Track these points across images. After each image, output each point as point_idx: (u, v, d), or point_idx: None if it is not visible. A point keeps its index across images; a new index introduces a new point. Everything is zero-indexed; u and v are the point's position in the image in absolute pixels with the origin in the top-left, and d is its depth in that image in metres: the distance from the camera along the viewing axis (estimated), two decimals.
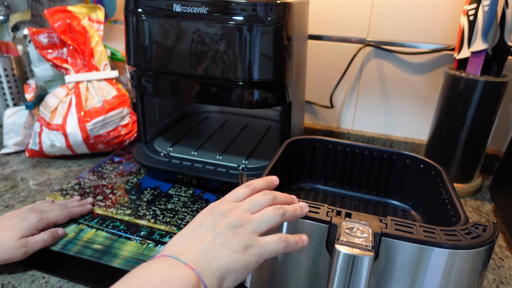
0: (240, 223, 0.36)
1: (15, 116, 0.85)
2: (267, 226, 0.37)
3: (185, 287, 0.31)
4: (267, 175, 0.50)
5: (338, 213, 0.42)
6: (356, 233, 0.39)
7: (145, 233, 0.59)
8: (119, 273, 0.51)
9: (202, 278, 0.33)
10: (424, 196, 0.61)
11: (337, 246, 0.37)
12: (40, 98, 0.87)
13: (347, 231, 0.39)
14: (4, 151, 0.84)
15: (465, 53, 0.68)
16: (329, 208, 0.43)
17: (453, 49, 0.76)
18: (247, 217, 0.37)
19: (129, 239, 0.57)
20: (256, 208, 0.39)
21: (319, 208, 0.43)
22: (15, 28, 0.95)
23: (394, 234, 0.38)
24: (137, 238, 0.58)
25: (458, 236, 0.39)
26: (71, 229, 0.59)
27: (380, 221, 0.41)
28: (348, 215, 0.42)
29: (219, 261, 0.34)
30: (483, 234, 0.39)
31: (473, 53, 0.67)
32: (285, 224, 0.42)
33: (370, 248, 0.37)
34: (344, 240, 0.38)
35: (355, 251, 0.37)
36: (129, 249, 0.56)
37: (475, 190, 0.76)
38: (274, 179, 0.44)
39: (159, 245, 0.57)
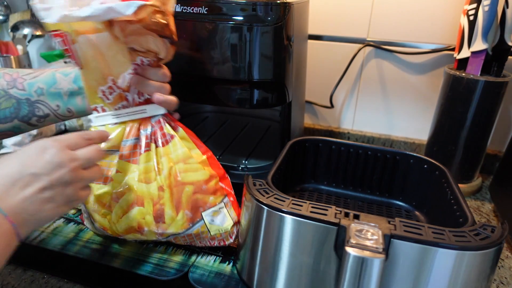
0: (71, 180, 0.37)
1: None
2: (91, 182, 0.42)
3: (5, 246, 0.32)
4: (272, 176, 0.51)
5: (346, 214, 0.42)
6: (366, 235, 0.38)
7: None
8: (119, 273, 0.51)
9: (19, 230, 0.34)
10: (428, 197, 0.61)
11: (348, 249, 0.37)
12: None
13: (357, 233, 0.39)
14: (3, 151, 0.84)
15: (465, 53, 0.68)
16: (337, 210, 0.42)
17: (453, 49, 0.76)
18: (80, 175, 0.39)
19: None
20: (87, 165, 0.40)
21: (327, 210, 0.42)
22: (15, 28, 0.95)
23: (403, 236, 0.38)
24: None
25: (467, 237, 0.39)
26: (71, 229, 0.59)
27: (389, 222, 0.41)
28: (356, 217, 0.42)
29: (41, 214, 0.36)
30: (491, 235, 0.39)
31: (473, 53, 0.67)
32: (287, 223, 0.43)
33: (381, 250, 0.37)
34: (354, 242, 0.37)
35: (366, 253, 0.36)
36: (129, 249, 0.56)
37: (475, 190, 0.76)
38: (106, 135, 0.47)
39: (159, 245, 0.57)
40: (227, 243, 0.54)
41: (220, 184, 0.54)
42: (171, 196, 0.51)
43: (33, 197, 0.35)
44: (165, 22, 0.45)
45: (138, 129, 0.52)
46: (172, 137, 0.52)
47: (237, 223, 0.54)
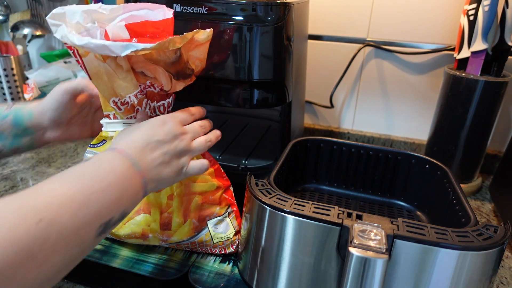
0: (185, 150, 0.44)
1: None
2: (199, 154, 0.48)
3: (133, 195, 0.37)
4: (274, 176, 0.51)
5: (349, 215, 0.42)
6: (369, 236, 0.38)
7: None
8: (119, 273, 0.51)
9: (146, 186, 0.39)
10: (429, 197, 0.61)
11: (351, 249, 0.37)
12: (39, 98, 0.87)
13: (360, 233, 0.39)
14: None
15: (465, 53, 0.68)
16: (339, 210, 0.42)
17: (453, 49, 0.76)
18: (190, 146, 0.45)
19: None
20: (195, 137, 0.47)
21: (330, 210, 0.42)
22: (15, 28, 0.95)
23: (406, 236, 0.38)
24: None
25: (470, 238, 0.39)
26: None
27: (392, 222, 0.41)
28: (359, 217, 0.42)
29: (162, 176, 0.42)
30: (494, 235, 0.39)
31: (473, 53, 0.67)
32: (290, 224, 0.42)
33: (384, 250, 0.37)
34: (357, 242, 0.37)
35: (369, 253, 0.36)
36: (129, 249, 0.56)
37: (475, 190, 0.76)
38: (203, 111, 0.52)
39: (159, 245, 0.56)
40: (227, 251, 0.55)
41: (224, 195, 0.55)
42: (180, 204, 0.52)
43: (158, 159, 0.41)
44: (171, 59, 0.45)
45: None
46: None
47: (238, 232, 0.55)
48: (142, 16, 0.48)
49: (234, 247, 0.54)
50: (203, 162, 0.47)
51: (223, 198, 0.55)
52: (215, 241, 0.54)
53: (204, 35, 0.46)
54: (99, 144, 0.52)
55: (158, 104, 0.51)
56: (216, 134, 0.51)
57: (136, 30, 0.45)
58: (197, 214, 0.52)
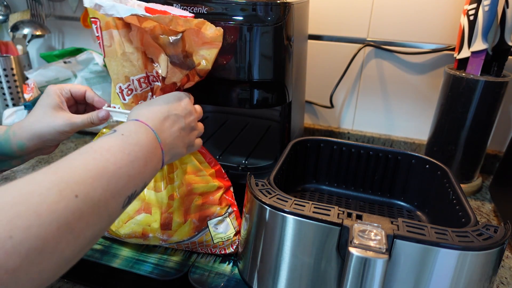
0: (194, 127, 0.47)
1: (14, 116, 0.85)
2: (200, 135, 0.50)
3: (154, 166, 0.38)
4: (274, 176, 0.51)
5: (349, 215, 0.42)
6: (370, 236, 0.38)
7: None
8: (119, 273, 0.51)
9: (164, 158, 0.41)
10: (430, 197, 0.61)
11: (351, 249, 0.37)
12: (39, 98, 0.87)
13: (360, 233, 0.39)
14: None
15: (465, 53, 0.68)
16: (339, 210, 0.42)
17: (453, 49, 0.76)
18: (198, 124, 0.49)
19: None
20: (198, 118, 0.49)
21: (330, 210, 0.42)
22: (15, 28, 0.95)
23: (406, 236, 0.38)
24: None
25: (470, 238, 0.39)
26: None
27: (392, 222, 0.41)
28: (359, 217, 0.42)
29: (176, 149, 0.44)
30: (494, 235, 0.39)
31: (473, 53, 0.67)
32: (290, 224, 0.42)
33: (384, 250, 0.37)
34: (357, 242, 0.37)
35: (369, 253, 0.36)
36: (129, 249, 0.56)
37: (475, 190, 0.76)
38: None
39: (159, 245, 0.56)
40: (228, 251, 0.55)
41: (224, 195, 0.55)
42: (180, 204, 0.52)
43: (176, 133, 0.43)
44: (170, 40, 0.46)
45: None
46: None
47: (238, 232, 0.55)
48: (161, 9, 0.50)
49: (234, 247, 0.54)
50: (200, 142, 0.50)
51: (224, 198, 0.55)
52: (215, 241, 0.54)
53: (211, 30, 0.47)
54: None
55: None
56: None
57: (154, 13, 0.46)
58: (198, 214, 0.52)
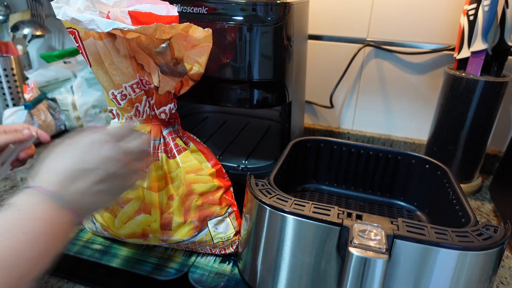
0: (126, 173, 0.40)
1: (14, 116, 0.85)
2: (141, 171, 0.44)
3: (65, 234, 0.34)
4: (274, 176, 0.51)
5: (349, 215, 0.42)
6: (369, 236, 0.38)
7: None
8: (119, 273, 0.51)
9: (78, 219, 0.36)
10: (429, 197, 0.61)
11: (351, 249, 0.37)
12: (39, 98, 0.87)
13: (360, 233, 0.39)
14: None
15: (465, 53, 0.68)
16: (339, 210, 0.42)
17: (453, 49, 0.76)
18: (133, 167, 0.41)
19: None
20: (139, 157, 0.43)
21: (330, 210, 0.42)
22: (15, 28, 0.95)
23: (406, 236, 0.38)
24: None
25: (470, 238, 0.39)
26: None
27: (391, 222, 0.41)
28: (359, 217, 0.42)
29: (98, 204, 0.38)
30: (494, 235, 0.39)
31: (473, 53, 0.67)
32: (290, 224, 0.42)
33: (384, 250, 0.37)
34: (357, 242, 0.37)
35: (369, 253, 0.36)
36: (129, 249, 0.56)
37: (475, 190, 0.76)
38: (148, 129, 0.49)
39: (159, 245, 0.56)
40: (227, 251, 0.55)
41: (224, 195, 0.55)
42: (181, 204, 0.52)
43: (90, 189, 0.37)
44: (157, 48, 0.45)
45: (149, 139, 0.52)
46: (184, 149, 0.53)
47: (238, 232, 0.55)
48: (146, 10, 0.48)
49: (234, 247, 0.54)
50: (146, 156, 0.45)
51: (223, 198, 0.55)
52: (215, 241, 0.54)
53: (199, 33, 0.45)
54: None
55: (159, 110, 0.51)
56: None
57: (138, 19, 0.45)
58: (197, 214, 0.52)
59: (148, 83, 0.49)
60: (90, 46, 0.46)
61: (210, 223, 0.53)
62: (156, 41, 0.44)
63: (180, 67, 0.47)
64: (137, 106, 0.51)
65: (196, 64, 0.48)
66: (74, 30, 0.45)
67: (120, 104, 0.50)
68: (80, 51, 0.47)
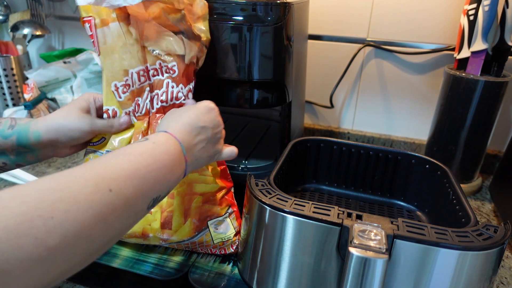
0: (220, 138, 0.48)
1: (14, 116, 0.85)
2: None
3: (177, 176, 0.40)
4: (274, 176, 0.51)
5: (349, 215, 0.42)
6: (369, 236, 0.38)
7: None
8: (119, 273, 0.51)
9: (187, 169, 0.42)
10: (429, 197, 0.61)
11: (351, 249, 0.37)
12: (39, 98, 0.87)
13: (360, 233, 0.39)
14: None
15: (465, 53, 0.68)
16: (339, 210, 0.42)
17: (453, 49, 0.76)
18: (223, 135, 0.49)
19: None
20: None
21: (330, 210, 0.42)
22: (15, 28, 0.95)
23: (406, 236, 0.38)
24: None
25: (470, 238, 0.39)
26: None
27: (392, 222, 0.41)
28: (359, 217, 0.42)
29: (200, 160, 0.45)
30: (494, 235, 0.39)
31: (473, 53, 0.67)
32: (290, 224, 0.42)
33: (384, 250, 0.37)
34: (357, 242, 0.37)
35: (369, 253, 0.36)
36: (129, 249, 0.56)
37: (475, 190, 0.76)
38: None
39: (159, 245, 0.56)
40: (227, 252, 0.55)
41: (225, 196, 0.55)
42: (181, 204, 0.52)
43: (200, 144, 0.44)
44: (177, 17, 0.48)
45: (147, 134, 0.52)
46: None
47: (238, 232, 0.55)
48: None
49: (234, 247, 0.54)
50: (233, 149, 0.50)
51: (224, 198, 0.55)
52: (215, 242, 0.54)
53: (201, 3, 0.51)
54: (99, 142, 0.52)
55: (186, 88, 0.52)
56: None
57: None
58: (198, 214, 0.52)
59: (156, 73, 0.51)
60: (103, 34, 0.48)
61: (210, 224, 0.53)
62: (174, 10, 0.48)
63: (196, 33, 0.51)
64: (138, 100, 0.51)
65: (202, 33, 0.52)
66: (90, 18, 0.47)
67: (121, 98, 0.50)
68: (92, 40, 0.49)
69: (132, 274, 0.51)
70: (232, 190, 0.57)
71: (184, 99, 0.53)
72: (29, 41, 1.00)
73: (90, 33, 0.49)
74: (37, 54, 1.10)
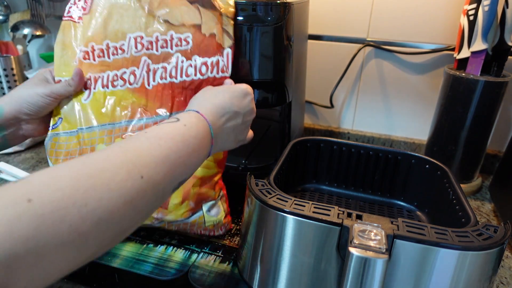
0: (248, 124, 0.48)
1: None
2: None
3: (203, 158, 0.40)
4: (274, 176, 0.51)
5: (349, 215, 0.42)
6: (369, 236, 0.38)
7: (145, 233, 0.59)
8: (119, 273, 0.51)
9: (212, 151, 0.42)
10: (429, 197, 0.61)
11: (351, 249, 0.37)
12: None
13: (360, 233, 0.39)
14: (3, 151, 0.84)
15: (465, 53, 0.68)
16: (339, 210, 0.42)
17: (453, 49, 0.76)
18: (250, 121, 0.49)
19: (129, 239, 0.57)
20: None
21: (330, 210, 0.42)
22: (15, 28, 0.95)
23: (406, 236, 0.38)
24: (137, 238, 0.58)
25: (470, 238, 0.39)
26: None
27: (392, 222, 0.41)
28: (359, 217, 0.42)
29: (225, 144, 0.45)
30: (494, 235, 0.39)
31: (473, 53, 0.67)
32: (290, 224, 0.43)
33: (384, 250, 0.37)
34: (357, 242, 0.37)
35: (369, 253, 0.36)
36: (129, 249, 0.56)
37: (475, 190, 0.76)
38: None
39: (159, 245, 0.56)
40: (216, 233, 0.56)
41: (219, 180, 0.56)
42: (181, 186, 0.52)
43: (230, 129, 0.44)
44: None
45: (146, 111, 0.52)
46: None
47: (228, 214, 0.57)
48: None
49: (222, 230, 0.56)
50: (251, 134, 0.52)
51: (219, 182, 0.56)
52: (207, 224, 0.55)
53: None
54: (57, 124, 0.52)
55: (201, 60, 0.50)
56: None
57: None
58: (195, 197, 0.53)
59: (164, 45, 0.49)
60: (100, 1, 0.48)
61: (205, 207, 0.54)
62: None
63: (216, 3, 0.49)
64: (134, 71, 0.50)
65: (228, 2, 0.50)
66: None
67: (95, 61, 0.50)
68: (73, 3, 0.49)
69: (132, 274, 0.51)
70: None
71: (195, 74, 0.50)
72: (29, 41, 1.00)
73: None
74: (37, 54, 1.10)
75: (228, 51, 0.50)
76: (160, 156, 0.34)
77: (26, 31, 0.95)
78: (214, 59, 0.50)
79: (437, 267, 0.38)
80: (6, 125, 0.47)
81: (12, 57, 0.92)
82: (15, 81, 0.94)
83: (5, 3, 0.99)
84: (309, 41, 0.85)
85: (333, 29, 0.85)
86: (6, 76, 0.92)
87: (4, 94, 0.94)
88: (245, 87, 0.47)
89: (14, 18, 0.97)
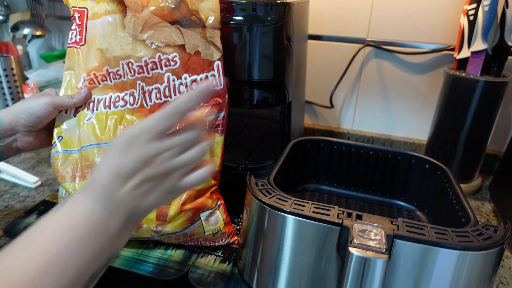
0: (166, 172, 0.36)
1: None
2: (192, 167, 0.37)
3: (114, 237, 0.34)
4: (274, 176, 0.51)
5: (349, 215, 0.42)
6: (369, 235, 0.38)
7: None
8: (119, 273, 0.51)
9: (128, 223, 0.35)
10: (429, 197, 0.61)
11: (351, 249, 0.37)
12: None
13: (360, 233, 0.39)
14: None
15: (465, 53, 0.68)
16: (339, 210, 0.42)
17: (453, 49, 0.76)
18: (175, 163, 0.36)
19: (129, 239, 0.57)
20: (185, 147, 0.37)
21: (329, 210, 0.42)
22: (15, 28, 0.95)
23: (406, 236, 0.38)
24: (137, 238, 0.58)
25: (470, 238, 0.39)
26: None
27: (391, 222, 0.41)
28: (359, 217, 0.42)
29: (146, 205, 0.36)
30: (494, 235, 0.39)
31: (473, 53, 0.67)
32: (290, 224, 0.42)
33: (384, 250, 0.37)
34: (357, 242, 0.37)
35: (369, 253, 0.36)
36: (129, 249, 0.56)
37: (475, 190, 0.76)
38: (206, 89, 0.37)
39: (159, 245, 0.56)
40: (217, 244, 0.56)
41: (215, 191, 0.56)
42: (179, 199, 0.52)
43: (135, 190, 0.35)
44: (172, 6, 0.48)
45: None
46: None
47: (227, 224, 0.56)
48: None
49: (224, 240, 0.56)
50: (204, 172, 0.38)
51: (214, 193, 0.56)
52: (206, 234, 0.54)
53: None
54: (56, 142, 0.53)
55: (178, 81, 0.51)
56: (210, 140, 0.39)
57: None
58: (193, 207, 0.53)
59: (154, 67, 0.50)
60: (93, 26, 0.49)
61: (203, 216, 0.54)
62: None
63: (198, 19, 0.49)
64: (133, 92, 0.52)
65: (211, 12, 0.49)
66: (83, 10, 0.49)
67: (100, 84, 0.52)
68: (74, 31, 0.51)
69: (132, 274, 0.51)
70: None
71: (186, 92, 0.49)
72: (29, 41, 1.00)
73: (79, 23, 0.50)
74: (37, 54, 1.10)
75: (217, 64, 0.51)
76: (49, 254, 0.29)
77: (26, 31, 0.95)
78: (203, 75, 0.51)
79: (437, 267, 0.38)
80: (3, 136, 0.46)
81: (12, 57, 0.92)
82: (15, 81, 0.94)
83: (5, 3, 0.99)
84: (309, 41, 0.85)
85: (333, 29, 0.85)
86: (6, 76, 0.92)
87: (4, 94, 0.94)
88: (125, 137, 0.35)
89: (14, 18, 0.97)
